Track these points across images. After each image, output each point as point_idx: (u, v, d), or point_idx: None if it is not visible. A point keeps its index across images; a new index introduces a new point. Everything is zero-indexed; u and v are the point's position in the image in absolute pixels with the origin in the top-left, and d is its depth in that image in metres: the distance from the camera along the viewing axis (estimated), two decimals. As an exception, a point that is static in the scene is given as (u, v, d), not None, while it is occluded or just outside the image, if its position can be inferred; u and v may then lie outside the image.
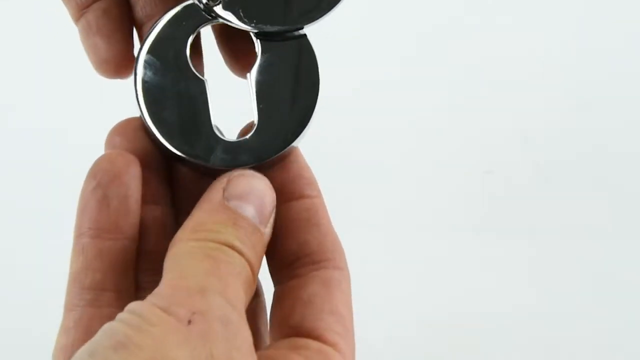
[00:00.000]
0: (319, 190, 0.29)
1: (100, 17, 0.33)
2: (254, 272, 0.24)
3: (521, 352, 0.53)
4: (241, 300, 0.23)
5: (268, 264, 0.27)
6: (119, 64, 0.32)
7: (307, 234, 0.27)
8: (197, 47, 0.34)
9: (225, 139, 0.31)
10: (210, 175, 0.30)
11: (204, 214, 0.25)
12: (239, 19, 0.33)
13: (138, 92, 0.32)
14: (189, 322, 0.21)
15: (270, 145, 0.31)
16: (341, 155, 0.61)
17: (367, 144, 0.62)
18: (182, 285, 0.22)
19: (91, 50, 0.33)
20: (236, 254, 0.24)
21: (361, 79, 0.66)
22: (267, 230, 0.26)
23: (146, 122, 0.31)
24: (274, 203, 0.26)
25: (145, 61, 0.32)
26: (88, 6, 0.33)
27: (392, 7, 0.70)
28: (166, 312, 0.21)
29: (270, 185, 0.27)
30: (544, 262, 0.56)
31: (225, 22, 0.33)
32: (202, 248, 0.24)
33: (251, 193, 0.26)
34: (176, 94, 0.32)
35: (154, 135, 0.31)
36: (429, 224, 0.58)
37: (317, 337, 0.25)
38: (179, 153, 0.31)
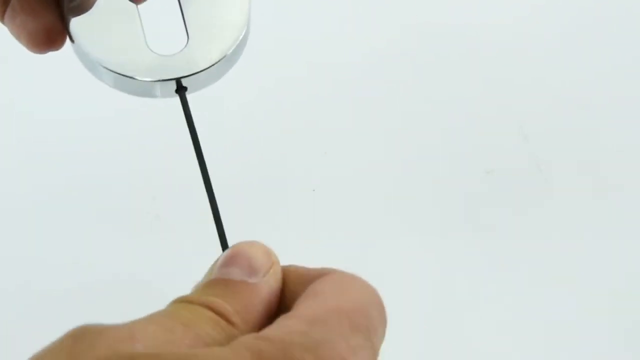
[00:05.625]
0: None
1: None
2: (225, 315, 0.24)
3: (521, 353, 0.53)
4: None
5: None
6: (49, 32, 0.33)
7: None
8: None
9: (159, 53, 0.32)
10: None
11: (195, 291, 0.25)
12: None
13: (68, 21, 0.32)
14: None
15: (202, 58, 0.32)
16: (340, 156, 0.61)
17: (366, 144, 0.62)
18: None
19: (20, 28, 0.33)
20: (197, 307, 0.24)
21: (360, 76, 0.66)
22: (260, 279, 0.26)
23: (80, 45, 0.32)
24: (266, 254, 0.26)
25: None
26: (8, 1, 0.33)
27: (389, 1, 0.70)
28: None
29: (261, 244, 0.27)
30: (544, 262, 0.56)
31: None
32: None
33: (235, 256, 0.26)
34: (105, 20, 0.33)
35: (87, 56, 0.32)
36: (429, 223, 0.58)
37: None
38: (113, 69, 0.32)
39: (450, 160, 0.61)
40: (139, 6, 0.33)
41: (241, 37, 0.33)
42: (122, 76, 0.32)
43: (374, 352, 0.23)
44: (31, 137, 0.63)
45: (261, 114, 0.64)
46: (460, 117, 0.63)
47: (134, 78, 0.32)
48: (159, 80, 0.32)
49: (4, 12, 0.34)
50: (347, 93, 0.65)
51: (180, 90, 0.32)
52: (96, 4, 0.33)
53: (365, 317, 0.23)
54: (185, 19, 0.33)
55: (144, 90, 0.33)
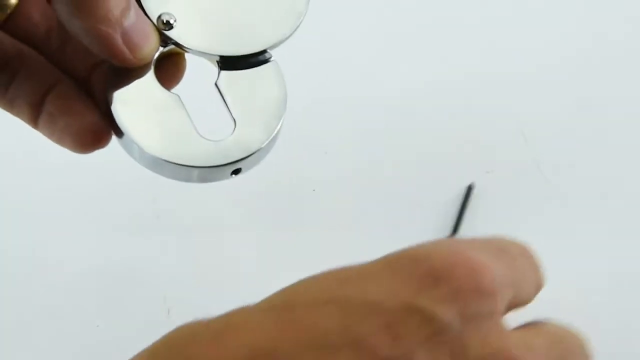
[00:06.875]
0: None
1: (58, 99, 0.32)
2: None
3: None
4: None
5: None
6: (96, 131, 0.32)
7: None
8: (167, 66, 0.33)
9: (210, 139, 0.32)
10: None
11: None
12: (193, 43, 0.33)
13: (116, 118, 0.32)
14: None
15: (254, 139, 0.32)
16: (340, 156, 0.61)
17: (366, 144, 0.62)
18: None
19: (63, 132, 0.32)
20: None
21: (360, 76, 0.66)
22: None
23: (133, 141, 0.31)
24: None
25: (115, 93, 0.32)
26: (41, 103, 0.32)
27: (388, 4, 0.70)
28: None
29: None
30: (544, 262, 0.56)
31: (181, 48, 0.33)
32: None
33: None
34: (152, 112, 0.32)
35: (142, 151, 0.31)
36: (429, 223, 0.58)
37: None
38: (171, 160, 0.31)
39: (450, 160, 0.61)
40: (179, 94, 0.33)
41: (285, 113, 0.33)
42: (178, 166, 0.31)
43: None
44: (32, 142, 0.63)
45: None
46: (460, 116, 0.63)
47: (192, 167, 0.32)
48: (216, 166, 0.32)
49: (37, 117, 0.32)
50: (347, 92, 0.65)
51: (236, 173, 0.33)
52: (140, 95, 0.32)
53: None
54: (228, 104, 0.33)
55: (201, 176, 0.32)
